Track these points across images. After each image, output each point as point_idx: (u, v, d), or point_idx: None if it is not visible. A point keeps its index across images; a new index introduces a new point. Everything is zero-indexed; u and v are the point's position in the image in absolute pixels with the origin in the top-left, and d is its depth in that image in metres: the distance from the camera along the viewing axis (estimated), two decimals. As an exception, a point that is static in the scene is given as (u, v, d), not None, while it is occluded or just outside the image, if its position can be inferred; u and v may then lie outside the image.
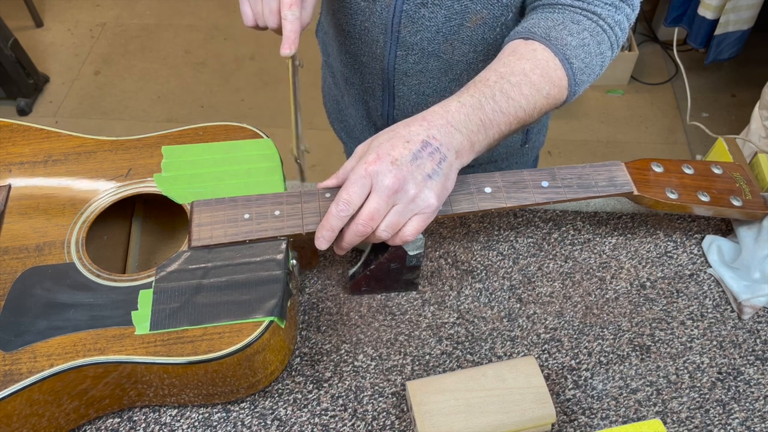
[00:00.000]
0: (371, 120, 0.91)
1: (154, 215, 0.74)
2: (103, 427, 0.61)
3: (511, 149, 0.93)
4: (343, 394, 0.63)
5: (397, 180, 0.54)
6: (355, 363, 0.65)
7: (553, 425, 0.61)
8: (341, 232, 0.57)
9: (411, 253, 0.64)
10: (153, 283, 0.58)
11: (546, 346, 0.67)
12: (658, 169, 0.69)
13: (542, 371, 0.63)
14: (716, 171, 0.71)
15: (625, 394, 0.64)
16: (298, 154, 0.76)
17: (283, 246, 0.60)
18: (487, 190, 0.64)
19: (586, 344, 0.67)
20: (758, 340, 0.68)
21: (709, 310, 0.70)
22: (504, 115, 0.60)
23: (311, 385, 0.64)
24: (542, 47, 0.63)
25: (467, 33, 0.75)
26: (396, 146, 0.55)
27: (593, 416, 0.62)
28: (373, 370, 0.65)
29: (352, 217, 0.56)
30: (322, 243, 0.58)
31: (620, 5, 0.67)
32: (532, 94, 0.61)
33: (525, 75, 0.61)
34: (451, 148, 0.57)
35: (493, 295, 0.70)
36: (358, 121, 0.94)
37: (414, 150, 0.55)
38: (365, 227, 0.56)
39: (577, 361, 0.66)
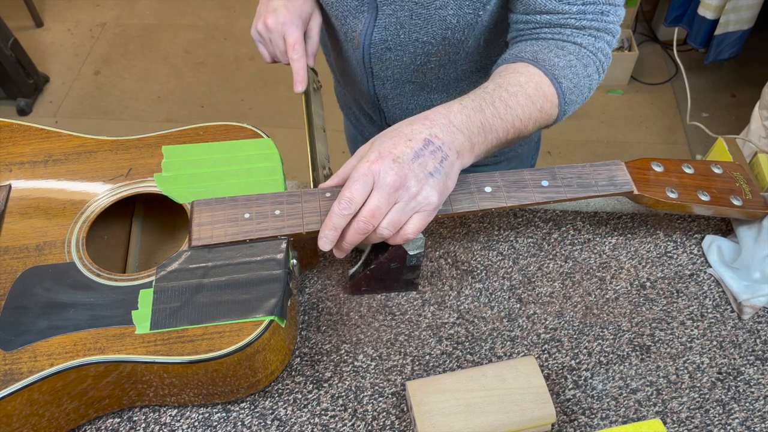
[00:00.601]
0: (372, 118, 0.95)
1: (155, 215, 0.74)
2: (103, 427, 0.61)
3: (512, 153, 0.96)
4: (343, 394, 0.63)
5: (398, 177, 0.54)
6: (355, 363, 0.65)
7: (553, 425, 0.61)
8: (342, 231, 0.57)
9: (411, 252, 0.64)
10: (153, 283, 0.58)
11: (546, 346, 0.67)
12: (658, 169, 0.69)
13: (542, 371, 0.63)
14: (716, 170, 0.71)
15: (625, 394, 0.64)
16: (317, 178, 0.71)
17: (284, 245, 0.60)
18: (487, 189, 0.64)
19: (586, 344, 0.67)
20: (758, 340, 0.68)
21: (709, 310, 0.70)
22: (502, 121, 0.61)
23: (311, 385, 0.64)
24: (532, 66, 0.65)
25: (434, 64, 0.80)
26: (398, 144, 0.56)
27: (593, 416, 0.62)
28: (373, 370, 0.65)
29: (354, 216, 0.56)
30: (325, 243, 0.57)
31: (599, 35, 0.69)
32: (528, 105, 0.63)
33: (521, 86, 0.63)
34: (452, 147, 0.57)
35: (493, 295, 0.71)
36: (360, 115, 1.02)
37: (416, 148, 0.56)
38: (366, 224, 0.56)
39: (577, 361, 0.66)
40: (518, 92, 0.62)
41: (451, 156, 0.57)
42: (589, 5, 0.67)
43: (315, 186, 0.63)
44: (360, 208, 0.56)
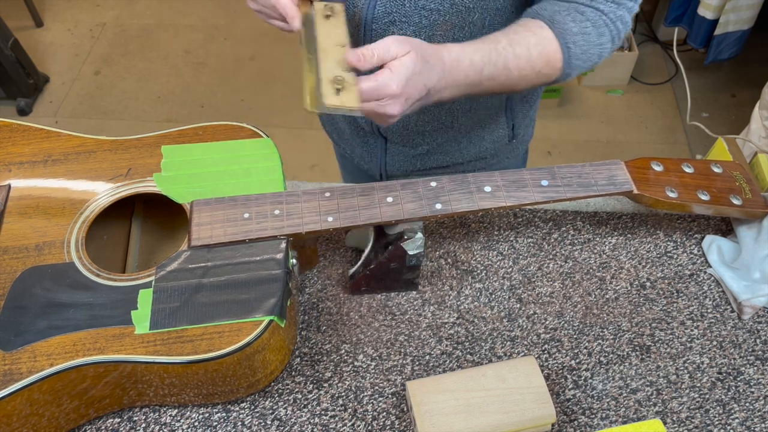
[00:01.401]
0: (359, 126, 0.92)
1: (154, 215, 0.74)
2: (103, 427, 0.61)
3: (500, 145, 0.94)
4: (343, 394, 0.63)
5: (395, 113, 0.61)
6: (355, 363, 0.65)
7: (553, 425, 0.61)
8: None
9: (411, 252, 0.64)
10: (153, 283, 0.58)
11: (546, 346, 0.67)
12: (658, 168, 0.69)
13: (542, 371, 0.63)
14: (716, 170, 0.71)
15: (625, 394, 0.64)
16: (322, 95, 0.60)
17: (283, 245, 0.60)
18: (487, 189, 0.64)
19: (586, 344, 0.67)
20: (758, 340, 0.68)
21: (709, 310, 0.70)
22: (493, 81, 0.66)
23: (311, 385, 0.64)
24: (547, 27, 0.68)
25: (438, 40, 0.78)
26: (418, 90, 0.61)
27: (593, 416, 0.62)
28: (373, 370, 0.65)
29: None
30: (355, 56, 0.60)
31: (621, 2, 0.70)
32: (526, 67, 0.67)
33: (528, 49, 0.66)
34: (438, 93, 0.64)
35: (493, 295, 0.70)
36: (346, 126, 0.95)
37: (422, 97, 0.62)
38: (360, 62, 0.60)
39: (577, 361, 0.66)
40: (522, 54, 0.66)
41: (428, 102, 0.64)
42: None
43: (313, 102, 0.58)
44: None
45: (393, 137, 0.88)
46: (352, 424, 0.62)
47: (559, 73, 0.69)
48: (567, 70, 0.69)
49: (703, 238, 0.75)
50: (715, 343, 0.67)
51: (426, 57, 0.61)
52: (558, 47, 0.67)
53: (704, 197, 0.67)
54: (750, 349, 0.67)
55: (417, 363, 0.66)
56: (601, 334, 0.68)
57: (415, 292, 0.71)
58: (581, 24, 0.68)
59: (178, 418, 0.62)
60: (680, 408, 0.63)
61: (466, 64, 0.64)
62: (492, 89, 0.68)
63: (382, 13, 0.75)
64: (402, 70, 0.59)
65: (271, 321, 0.55)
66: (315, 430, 0.61)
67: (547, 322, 0.69)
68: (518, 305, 0.70)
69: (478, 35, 0.78)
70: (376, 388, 0.64)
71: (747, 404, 0.63)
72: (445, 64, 0.63)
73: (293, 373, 0.65)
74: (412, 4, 0.74)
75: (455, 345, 0.67)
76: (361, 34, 0.78)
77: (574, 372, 0.65)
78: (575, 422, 0.62)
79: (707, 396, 0.64)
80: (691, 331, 0.68)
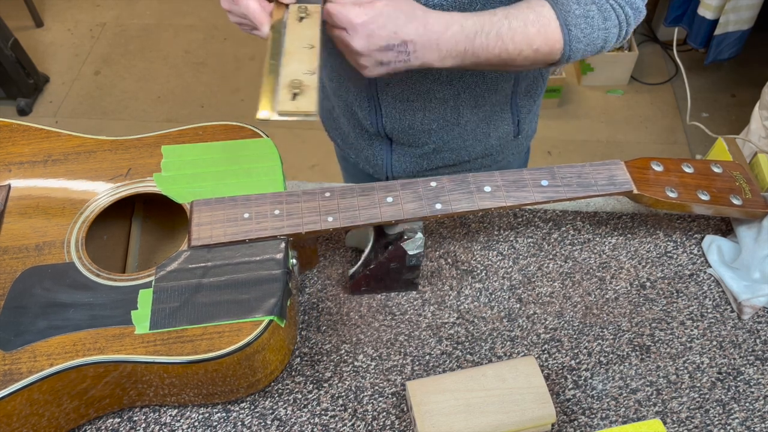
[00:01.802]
0: (363, 128, 0.91)
1: (154, 215, 0.74)
2: (103, 427, 0.61)
3: (505, 141, 0.94)
4: (343, 394, 0.63)
5: (359, 49, 0.61)
6: (355, 363, 0.65)
7: (553, 425, 0.61)
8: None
9: (411, 252, 0.64)
10: (153, 283, 0.58)
11: (546, 346, 0.67)
12: (658, 168, 0.69)
13: (542, 371, 0.63)
14: (716, 170, 0.71)
15: (625, 394, 0.64)
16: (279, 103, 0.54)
17: (283, 245, 0.60)
18: (487, 189, 0.64)
19: (586, 344, 0.67)
20: (758, 340, 0.68)
21: (709, 310, 0.70)
22: (487, 51, 0.65)
23: (311, 385, 0.64)
24: (549, 7, 0.67)
25: None
26: (383, 28, 0.60)
27: (593, 416, 0.62)
28: (373, 370, 0.65)
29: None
30: None
31: None
32: (522, 43, 0.66)
33: (525, 24, 0.66)
34: (419, 58, 0.63)
35: (493, 295, 0.70)
36: (350, 129, 0.94)
37: (390, 43, 0.61)
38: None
39: (577, 361, 0.66)
40: (518, 28, 0.65)
41: (411, 62, 0.63)
42: None
43: (267, 106, 0.53)
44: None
45: (398, 137, 0.88)
46: (352, 424, 0.62)
47: (559, 54, 0.68)
48: (568, 52, 0.68)
49: (703, 238, 0.75)
50: (715, 343, 0.67)
51: (400, 6, 0.61)
52: (558, 27, 0.67)
53: (704, 197, 0.67)
54: (750, 349, 0.67)
55: (417, 363, 0.66)
56: (601, 334, 0.68)
57: (415, 292, 0.71)
58: (585, 7, 0.68)
59: (178, 418, 0.62)
60: (680, 408, 0.63)
61: (456, 28, 0.63)
62: (488, 61, 0.66)
63: None
64: (368, 7, 0.60)
65: (271, 321, 0.55)
66: (315, 430, 0.61)
67: (547, 322, 0.69)
68: (518, 305, 0.70)
69: None
70: (376, 388, 0.64)
71: (747, 404, 0.63)
72: (428, 23, 0.62)
73: (293, 373, 0.65)
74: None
75: (455, 345, 0.67)
76: None
77: (574, 372, 0.65)
78: (575, 422, 0.62)
79: (707, 396, 0.64)
80: (691, 331, 0.68)
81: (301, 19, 0.67)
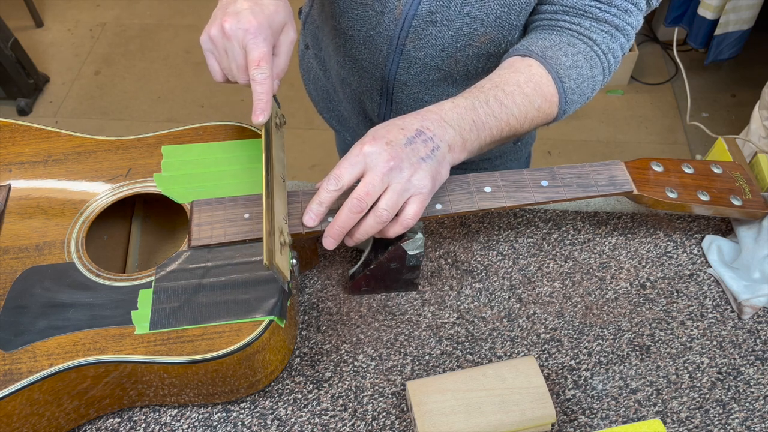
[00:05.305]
0: (367, 116, 0.91)
1: (154, 215, 0.74)
2: (103, 427, 0.61)
3: (505, 148, 0.94)
4: (343, 394, 0.63)
5: (391, 158, 0.56)
6: (355, 363, 0.65)
7: (553, 425, 0.61)
8: (338, 217, 0.58)
9: (411, 252, 0.64)
10: (153, 283, 0.58)
11: (546, 346, 0.67)
12: (658, 169, 0.69)
13: (542, 371, 0.63)
14: (716, 170, 0.71)
15: (625, 394, 0.64)
16: (273, 260, 0.52)
17: (283, 246, 0.60)
18: (487, 189, 0.64)
19: (586, 344, 0.67)
20: (758, 340, 0.68)
21: (709, 310, 0.70)
22: (496, 119, 0.62)
23: (311, 385, 0.64)
24: (537, 64, 0.66)
25: (473, 51, 0.77)
26: (391, 131, 0.57)
27: (593, 416, 0.62)
28: (373, 370, 0.65)
29: (352, 202, 0.56)
30: (310, 219, 0.59)
31: (616, 34, 0.69)
32: (524, 104, 0.64)
33: (519, 86, 0.64)
34: (443, 140, 0.59)
35: (493, 295, 0.70)
36: (353, 115, 0.93)
37: (408, 136, 0.58)
38: (360, 202, 0.56)
39: (577, 361, 0.66)
40: (515, 92, 0.64)
41: (442, 147, 0.59)
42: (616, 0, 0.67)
43: (269, 259, 0.51)
44: (355, 190, 0.57)
45: None
46: (352, 424, 0.62)
47: (557, 109, 0.67)
48: (564, 105, 0.67)
49: (703, 238, 0.75)
50: (715, 343, 0.67)
51: (379, 127, 0.59)
52: (552, 81, 0.66)
53: (704, 198, 0.67)
54: (750, 349, 0.67)
55: (417, 363, 0.66)
56: (601, 334, 0.68)
57: (415, 292, 0.71)
58: (573, 58, 0.67)
59: (178, 418, 0.62)
60: (680, 408, 0.63)
61: (449, 105, 0.61)
62: (500, 128, 0.63)
63: (426, 11, 0.72)
64: (370, 158, 0.56)
65: (271, 321, 0.55)
66: (315, 430, 0.61)
67: (547, 322, 0.69)
68: (518, 305, 0.70)
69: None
70: (376, 388, 0.64)
71: (747, 404, 0.63)
72: (422, 114, 0.60)
73: (293, 373, 0.65)
74: (458, 9, 0.71)
75: (455, 345, 0.67)
76: (397, 31, 0.75)
77: (574, 372, 0.65)
78: (575, 422, 0.62)
79: (707, 396, 0.64)
80: (691, 331, 0.68)
81: (278, 126, 0.65)
